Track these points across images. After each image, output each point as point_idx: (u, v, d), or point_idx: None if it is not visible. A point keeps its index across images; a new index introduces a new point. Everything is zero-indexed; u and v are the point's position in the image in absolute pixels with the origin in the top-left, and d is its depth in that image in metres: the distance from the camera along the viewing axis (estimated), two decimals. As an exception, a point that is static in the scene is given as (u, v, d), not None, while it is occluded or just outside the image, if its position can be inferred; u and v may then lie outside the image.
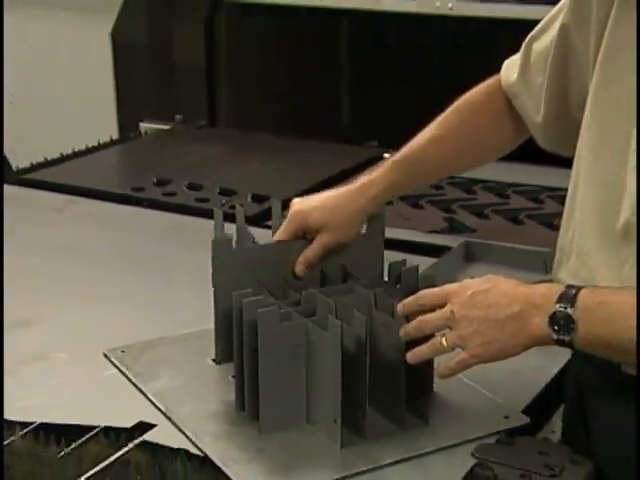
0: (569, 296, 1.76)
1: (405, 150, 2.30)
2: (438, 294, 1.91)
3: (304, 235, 2.25)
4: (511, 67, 2.26)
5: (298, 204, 2.28)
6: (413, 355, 1.89)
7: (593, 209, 1.94)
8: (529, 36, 2.22)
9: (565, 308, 1.75)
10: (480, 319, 1.82)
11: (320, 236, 2.23)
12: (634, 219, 1.81)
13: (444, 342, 1.85)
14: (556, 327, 1.75)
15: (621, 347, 1.74)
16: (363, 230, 2.31)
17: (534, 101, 2.19)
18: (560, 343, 1.77)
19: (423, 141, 2.30)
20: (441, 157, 2.33)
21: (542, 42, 2.17)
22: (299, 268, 2.22)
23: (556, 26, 2.10)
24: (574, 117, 2.07)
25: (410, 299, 1.93)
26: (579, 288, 1.77)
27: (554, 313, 1.76)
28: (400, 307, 1.92)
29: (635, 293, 1.74)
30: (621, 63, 1.89)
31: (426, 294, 1.92)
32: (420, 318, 1.89)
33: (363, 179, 2.29)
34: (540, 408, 2.12)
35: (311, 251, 2.23)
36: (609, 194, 1.89)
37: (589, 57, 1.98)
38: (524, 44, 2.23)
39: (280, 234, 2.25)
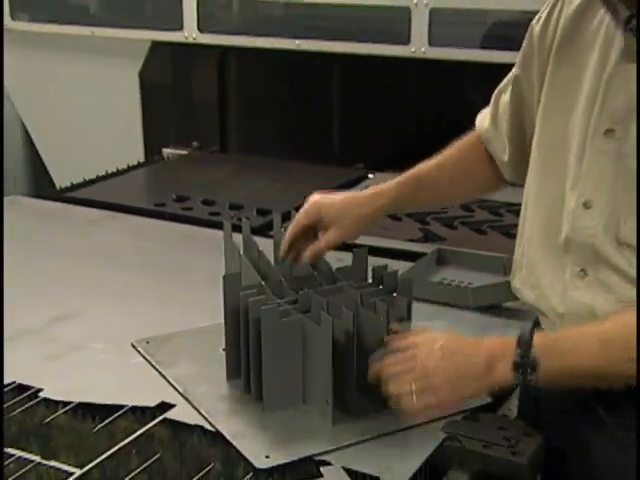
0: (525, 340, 1.74)
1: (411, 172, 2.29)
2: (407, 343, 1.86)
3: (314, 227, 2.21)
4: (483, 117, 2.26)
5: (317, 196, 2.24)
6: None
7: (539, 227, 1.95)
8: (497, 89, 2.22)
9: (526, 350, 1.73)
10: (448, 369, 1.78)
11: (328, 233, 2.19)
12: (572, 234, 1.83)
13: (413, 387, 1.79)
14: (520, 370, 1.72)
15: (583, 374, 1.74)
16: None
17: (501, 144, 2.20)
18: (526, 384, 1.74)
19: (427, 167, 2.29)
20: (439, 184, 2.31)
21: (506, 94, 2.17)
22: (305, 260, 2.19)
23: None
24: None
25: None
26: (531, 332, 1.75)
27: (515, 362, 1.73)
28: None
29: (584, 328, 1.76)
30: (557, 106, 1.91)
31: (396, 343, 1.88)
32: (392, 371, 1.83)
33: (373, 189, 2.27)
34: (500, 389, 2.10)
35: (316, 246, 2.19)
36: (552, 214, 1.90)
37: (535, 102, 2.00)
38: (493, 96, 2.23)
39: (297, 218, 2.22)
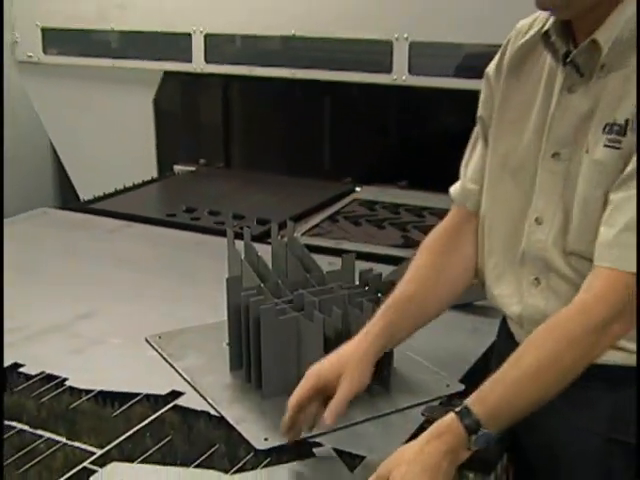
0: (464, 413, 1.65)
1: (400, 295, 1.99)
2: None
3: (318, 394, 1.83)
4: (457, 188, 2.10)
5: (312, 368, 1.87)
6: None
7: (501, 243, 1.94)
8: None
9: (470, 425, 1.65)
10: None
11: (342, 385, 1.81)
12: (527, 247, 1.84)
13: None
14: (475, 441, 1.65)
15: (527, 407, 1.69)
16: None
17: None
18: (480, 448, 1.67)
19: (414, 288, 2.02)
20: (428, 306, 2.03)
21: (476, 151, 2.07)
22: (330, 420, 1.78)
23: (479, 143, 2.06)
24: None
25: None
26: (464, 405, 1.67)
27: (470, 445, 1.65)
28: None
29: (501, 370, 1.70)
30: (511, 134, 1.90)
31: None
32: None
33: (362, 330, 1.90)
34: (472, 378, 2.10)
35: (335, 403, 1.78)
36: (512, 230, 1.89)
37: None
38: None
39: (296, 392, 1.82)
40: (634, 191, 1.62)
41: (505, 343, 1.97)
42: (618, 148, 1.66)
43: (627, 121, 1.65)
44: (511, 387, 1.67)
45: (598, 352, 1.67)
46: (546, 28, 1.78)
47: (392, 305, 1.94)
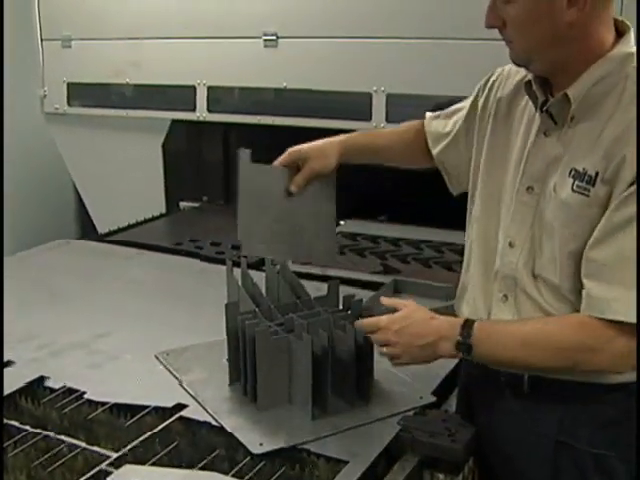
0: (467, 328, 1.76)
1: (376, 130, 2.45)
2: (388, 321, 1.86)
3: (296, 165, 2.16)
4: (429, 119, 2.23)
5: (295, 147, 2.19)
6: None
7: (479, 259, 1.95)
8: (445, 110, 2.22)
9: (465, 338, 1.75)
10: (406, 344, 1.81)
11: (306, 164, 2.14)
12: (500, 267, 1.86)
13: (384, 350, 1.83)
14: (459, 349, 1.76)
15: (504, 363, 1.80)
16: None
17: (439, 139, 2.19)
18: (463, 358, 1.80)
19: (386, 131, 2.39)
20: (390, 145, 2.27)
21: (446, 124, 2.17)
22: (293, 188, 2.14)
23: (457, 123, 2.12)
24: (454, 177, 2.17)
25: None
26: (474, 321, 1.78)
27: (457, 342, 1.76)
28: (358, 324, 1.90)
29: (514, 326, 1.79)
30: (494, 167, 1.93)
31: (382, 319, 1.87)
32: (373, 325, 1.86)
33: (342, 135, 2.22)
34: (443, 390, 2.11)
35: (300, 175, 2.14)
36: (488, 250, 1.92)
37: (466, 157, 2.04)
38: (440, 112, 2.23)
39: (278, 160, 2.17)
40: (612, 249, 1.64)
41: (471, 364, 1.97)
42: (587, 195, 1.67)
43: (597, 174, 1.65)
44: (507, 333, 1.77)
45: (584, 367, 1.72)
46: (528, 78, 1.81)
47: (372, 132, 2.35)
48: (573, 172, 1.70)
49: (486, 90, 2.01)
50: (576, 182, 1.69)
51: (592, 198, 1.66)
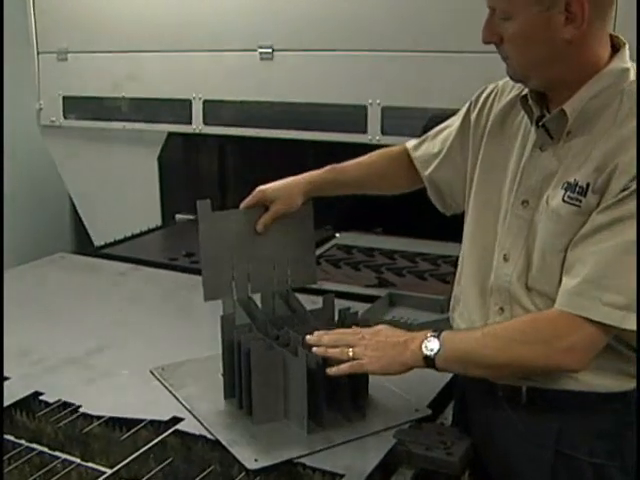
0: (435, 333, 1.79)
1: (341, 164, 2.29)
2: (355, 330, 1.92)
3: (262, 206, 2.21)
4: (413, 147, 2.26)
5: (261, 187, 2.24)
6: (330, 371, 1.84)
7: (473, 272, 1.96)
8: (430, 133, 2.25)
9: (434, 336, 1.78)
10: (379, 342, 1.84)
11: (272, 205, 2.19)
12: (495, 280, 1.87)
13: (350, 353, 1.83)
14: (426, 349, 1.78)
15: (462, 359, 1.80)
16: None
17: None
18: (426, 360, 1.78)
19: (350, 163, 2.29)
20: (359, 175, 2.30)
21: (433, 145, 2.20)
22: (259, 228, 2.20)
23: (447, 140, 2.14)
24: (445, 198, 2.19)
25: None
26: (442, 330, 1.81)
27: (426, 337, 1.79)
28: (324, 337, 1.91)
29: (479, 332, 1.80)
30: (489, 180, 1.94)
31: (348, 330, 1.94)
32: (338, 334, 1.91)
33: (307, 173, 2.27)
34: (438, 403, 2.11)
35: (266, 216, 2.19)
36: (482, 263, 1.92)
37: (462, 171, 2.05)
38: (425, 136, 2.26)
39: (245, 202, 2.22)
40: (593, 248, 1.65)
41: (467, 378, 1.99)
42: (578, 206, 1.68)
43: (588, 185, 1.67)
44: (471, 330, 1.85)
45: (534, 360, 1.73)
46: (524, 93, 1.83)
47: (336, 168, 2.27)
48: (565, 184, 1.71)
49: (479, 105, 2.02)
50: (567, 193, 1.70)
51: (583, 208, 1.67)
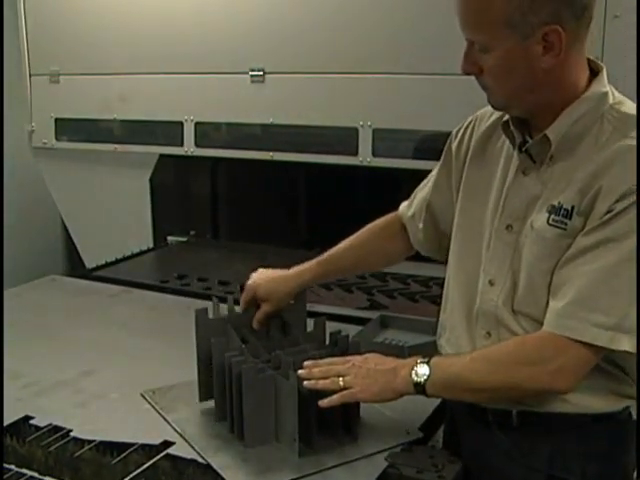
0: (425, 359, 1.80)
1: (328, 252, 2.32)
2: (344, 359, 1.92)
3: (256, 302, 2.27)
4: (406, 206, 2.29)
5: (252, 279, 2.31)
6: (323, 403, 1.84)
7: (459, 299, 1.97)
8: (418, 188, 2.26)
9: (422, 363, 1.79)
10: (369, 369, 1.84)
11: (264, 305, 2.23)
12: (481, 305, 1.88)
13: (341, 382, 1.83)
14: (416, 375, 1.78)
15: (451, 383, 1.80)
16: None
17: (417, 228, 2.23)
18: (417, 387, 1.79)
19: (341, 248, 2.32)
20: (351, 261, 2.34)
21: (423, 192, 2.22)
22: (255, 325, 2.23)
23: (432, 178, 2.18)
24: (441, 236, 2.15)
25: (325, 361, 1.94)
26: (431, 357, 1.82)
27: (416, 362, 1.80)
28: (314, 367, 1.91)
29: (468, 357, 1.81)
30: (471, 205, 1.96)
31: (337, 359, 1.94)
32: (328, 364, 1.90)
33: (297, 268, 2.30)
34: (429, 426, 2.10)
35: (258, 315, 2.23)
36: (468, 290, 1.94)
37: (452, 199, 2.06)
38: (415, 192, 2.27)
39: (242, 301, 2.28)
40: (580, 269, 1.67)
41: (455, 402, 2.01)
42: (564, 229, 1.70)
43: (573, 207, 1.69)
44: (459, 356, 1.85)
45: (523, 382, 1.74)
46: (506, 119, 1.84)
47: (327, 258, 2.31)
48: (550, 207, 1.73)
49: (459, 135, 2.05)
50: (552, 216, 1.72)
51: (569, 231, 1.70)
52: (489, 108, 1.90)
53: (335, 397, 1.83)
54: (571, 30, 1.65)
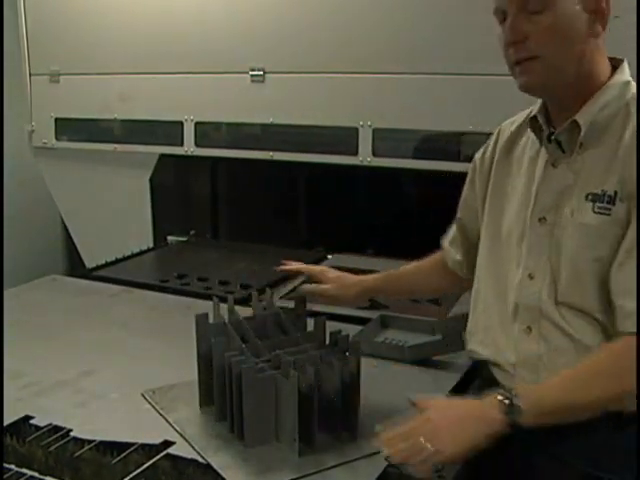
0: (507, 391, 1.69)
1: (395, 271, 2.43)
2: (419, 418, 1.72)
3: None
4: (445, 239, 2.37)
5: (331, 271, 2.47)
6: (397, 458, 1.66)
7: (492, 299, 2.01)
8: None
9: (507, 392, 1.68)
10: (450, 423, 1.66)
11: (326, 286, 2.42)
12: (520, 300, 1.91)
13: (422, 440, 1.62)
14: (508, 413, 1.65)
15: (553, 406, 1.70)
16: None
17: (456, 256, 2.33)
18: (513, 426, 1.65)
19: (404, 271, 2.44)
20: (408, 285, 2.46)
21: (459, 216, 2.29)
22: (301, 291, 2.43)
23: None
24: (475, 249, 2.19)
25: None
26: (509, 391, 1.69)
27: (501, 397, 1.67)
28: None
29: (557, 380, 1.74)
30: (499, 206, 2.03)
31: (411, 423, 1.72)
32: (405, 431, 1.69)
33: (364, 277, 2.44)
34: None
35: (313, 288, 2.41)
36: (501, 289, 1.98)
37: (478, 209, 2.13)
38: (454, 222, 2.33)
39: (308, 268, 2.50)
40: None
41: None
42: (608, 215, 1.74)
43: (615, 193, 1.74)
44: (553, 380, 1.74)
45: (624, 389, 1.69)
46: (533, 114, 1.91)
47: (394, 275, 2.42)
48: (591, 196, 1.77)
49: (482, 148, 2.14)
50: (597, 204, 1.76)
51: (613, 217, 1.74)
52: (510, 120, 2.02)
53: (426, 466, 1.63)
54: (608, 11, 1.76)
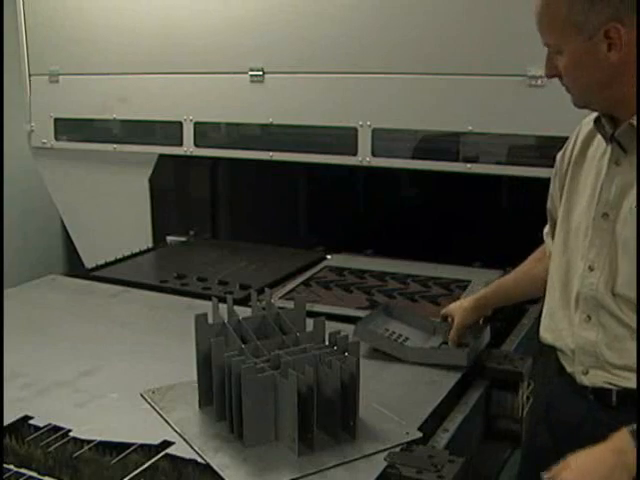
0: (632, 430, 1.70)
1: (498, 283, 2.60)
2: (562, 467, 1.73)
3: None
4: (546, 234, 2.40)
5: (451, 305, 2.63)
6: None
7: (559, 287, 2.11)
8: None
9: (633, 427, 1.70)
10: (592, 472, 1.70)
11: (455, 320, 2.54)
12: (581, 290, 2.01)
13: None
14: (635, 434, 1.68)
15: None
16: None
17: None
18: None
19: (519, 277, 2.52)
20: (523, 291, 2.53)
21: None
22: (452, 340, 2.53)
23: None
24: None
25: None
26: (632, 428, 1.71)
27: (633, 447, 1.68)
28: None
29: None
30: (572, 203, 2.11)
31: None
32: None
33: (479, 295, 2.57)
34: (429, 426, 2.09)
35: (453, 333, 2.52)
36: (568, 278, 2.08)
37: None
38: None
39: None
40: None
41: (558, 379, 2.14)
42: None
43: None
44: None
45: None
46: (598, 115, 2.00)
47: (504, 284, 2.54)
48: None
49: (565, 145, 2.20)
50: None
51: None
52: (590, 117, 2.06)
53: None
54: (632, 25, 1.79)
